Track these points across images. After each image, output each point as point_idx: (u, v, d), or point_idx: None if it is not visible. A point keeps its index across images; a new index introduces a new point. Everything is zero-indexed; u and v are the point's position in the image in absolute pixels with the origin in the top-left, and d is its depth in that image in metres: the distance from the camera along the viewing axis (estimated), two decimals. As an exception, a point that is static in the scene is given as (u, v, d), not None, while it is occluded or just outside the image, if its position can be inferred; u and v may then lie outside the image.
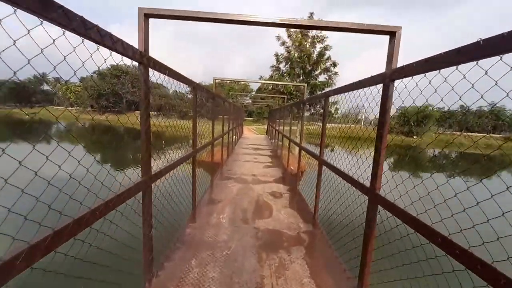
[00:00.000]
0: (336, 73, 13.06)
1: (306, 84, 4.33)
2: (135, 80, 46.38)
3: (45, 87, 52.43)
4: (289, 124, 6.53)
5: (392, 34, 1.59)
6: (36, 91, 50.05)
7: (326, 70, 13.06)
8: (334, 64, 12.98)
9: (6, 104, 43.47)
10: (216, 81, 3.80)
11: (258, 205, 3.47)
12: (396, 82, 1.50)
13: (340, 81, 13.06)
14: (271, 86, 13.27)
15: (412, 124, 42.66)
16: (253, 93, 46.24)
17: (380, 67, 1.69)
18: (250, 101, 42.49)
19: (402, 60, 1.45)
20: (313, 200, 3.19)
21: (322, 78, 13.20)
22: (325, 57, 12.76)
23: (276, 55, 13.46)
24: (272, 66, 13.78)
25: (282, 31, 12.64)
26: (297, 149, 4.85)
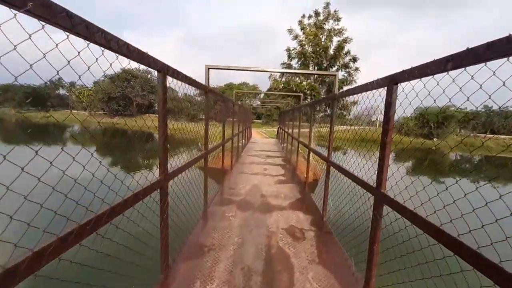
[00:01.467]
0: (357, 69, 11.59)
1: (336, 73, 3.38)
2: (145, 83, 46.91)
3: (61, 91, 54.03)
4: (309, 127, 5.25)
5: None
6: (52, 95, 51.53)
7: (345, 66, 11.62)
8: (354, 59, 11.43)
9: (22, 108, 44.89)
10: (209, 68, 2.78)
11: (269, 260, 2.20)
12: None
13: (362, 79, 11.59)
14: (282, 86, 12.02)
15: (432, 126, 40.16)
16: (262, 95, 45.18)
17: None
18: (259, 102, 41.40)
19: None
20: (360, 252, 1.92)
21: (340, 75, 11.76)
22: (344, 51, 11.35)
23: (288, 50, 12.09)
24: (283, 63, 12.49)
25: (294, 23, 11.46)
26: (314, 157, 3.60)
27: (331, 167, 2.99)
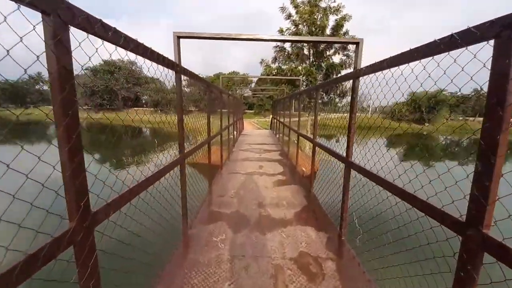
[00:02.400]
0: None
1: (360, 40, 2.80)
2: (129, 75, 44.70)
3: (43, 87, 51.18)
4: (312, 116, 4.44)
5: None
6: (30, 91, 48.66)
7: (343, 48, 10.67)
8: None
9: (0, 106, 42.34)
10: (179, 36, 1.75)
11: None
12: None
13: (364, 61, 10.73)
14: (275, 71, 10.98)
15: (423, 111, 40.34)
16: (253, 84, 43.79)
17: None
18: (250, 92, 40.18)
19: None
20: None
21: (336, 59, 10.89)
22: (343, 30, 10.35)
23: (281, 31, 10.94)
24: (276, 47, 11.39)
25: (287, 1, 10.26)
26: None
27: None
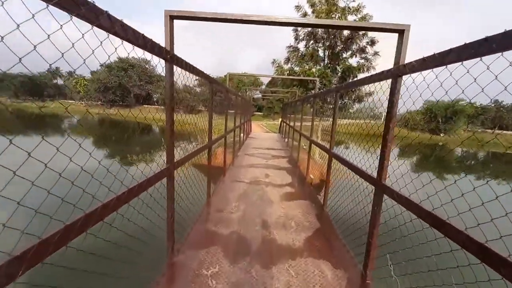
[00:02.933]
0: (376, 54, 9.94)
1: (407, 26, 2.47)
2: (142, 73, 45.41)
3: (59, 81, 52.79)
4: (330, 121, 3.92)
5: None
6: (49, 85, 50.12)
7: (361, 50, 10.04)
8: (373, 42, 9.87)
9: (19, 98, 43.74)
10: (171, 16, 1.26)
11: None
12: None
13: (381, 65, 10.00)
14: (287, 72, 10.45)
15: (440, 121, 38.78)
16: (263, 87, 43.35)
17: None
18: (260, 94, 39.81)
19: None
20: None
21: (352, 62, 10.23)
22: (361, 32, 9.67)
23: (295, 30, 10.48)
24: (289, 47, 10.86)
25: (303, 0, 9.74)
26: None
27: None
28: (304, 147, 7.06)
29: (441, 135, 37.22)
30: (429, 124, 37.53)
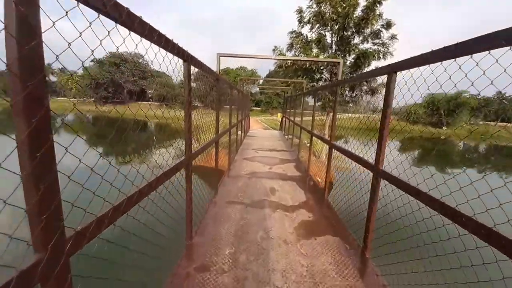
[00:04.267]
0: (394, 37, 8.65)
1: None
2: (135, 68, 43.86)
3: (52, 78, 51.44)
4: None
5: None
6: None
7: (375, 35, 8.79)
8: (388, 25, 8.61)
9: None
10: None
11: None
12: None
13: (400, 52, 8.69)
14: (291, 62, 9.19)
15: (442, 114, 38.01)
16: (261, 81, 41.87)
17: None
18: (257, 89, 38.48)
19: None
20: None
21: (364, 48, 8.95)
22: (375, 13, 8.26)
23: (299, 11, 9.10)
24: (292, 32, 9.56)
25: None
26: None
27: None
28: (313, 148, 5.95)
29: (444, 128, 36.40)
30: (431, 118, 36.68)
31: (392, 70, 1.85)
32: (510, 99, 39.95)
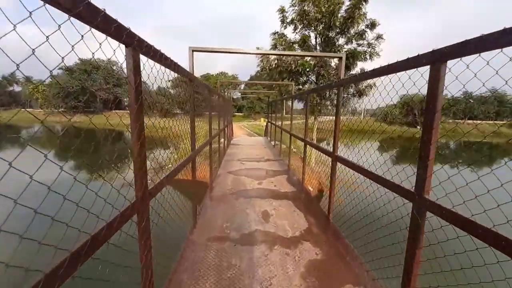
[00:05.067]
0: (380, 37, 8.43)
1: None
2: (109, 76, 41.70)
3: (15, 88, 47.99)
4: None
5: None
6: (1, 93, 44.97)
7: (359, 35, 8.55)
8: (373, 25, 8.43)
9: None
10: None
11: None
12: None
13: (386, 53, 8.46)
14: (275, 64, 8.64)
15: (416, 114, 40.05)
16: (242, 86, 41.42)
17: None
18: (239, 94, 37.94)
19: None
20: None
21: (348, 49, 8.68)
22: (361, 11, 7.93)
23: (282, 10, 8.61)
24: (274, 33, 9.07)
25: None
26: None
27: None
28: (307, 155, 5.29)
29: (418, 127, 38.35)
30: (407, 118, 38.57)
31: (440, 57, 1.28)
32: (475, 98, 43.19)
